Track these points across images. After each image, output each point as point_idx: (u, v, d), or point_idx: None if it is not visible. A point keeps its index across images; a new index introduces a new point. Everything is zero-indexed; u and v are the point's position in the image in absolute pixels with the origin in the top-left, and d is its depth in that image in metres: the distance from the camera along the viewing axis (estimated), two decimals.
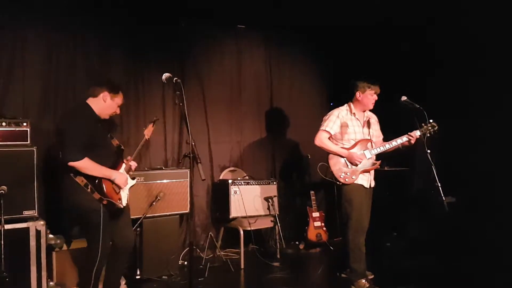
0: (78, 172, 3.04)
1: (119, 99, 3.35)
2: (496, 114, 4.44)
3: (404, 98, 3.82)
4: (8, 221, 3.17)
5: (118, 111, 3.41)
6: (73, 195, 3.08)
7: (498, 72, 4.41)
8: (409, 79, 4.94)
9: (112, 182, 3.18)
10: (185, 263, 4.56)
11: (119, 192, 3.24)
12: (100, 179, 3.12)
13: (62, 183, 3.11)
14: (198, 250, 4.87)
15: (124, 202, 3.27)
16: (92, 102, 3.25)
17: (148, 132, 3.72)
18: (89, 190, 3.06)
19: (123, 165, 3.36)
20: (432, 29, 5.01)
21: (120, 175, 3.23)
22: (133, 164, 3.45)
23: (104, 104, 3.27)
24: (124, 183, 3.26)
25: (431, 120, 3.78)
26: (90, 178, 3.08)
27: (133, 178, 3.45)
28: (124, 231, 3.33)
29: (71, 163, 2.99)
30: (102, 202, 3.08)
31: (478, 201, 4.47)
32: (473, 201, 4.49)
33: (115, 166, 3.28)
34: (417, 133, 3.83)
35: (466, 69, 4.70)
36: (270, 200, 4.88)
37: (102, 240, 3.07)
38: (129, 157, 3.45)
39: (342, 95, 4.24)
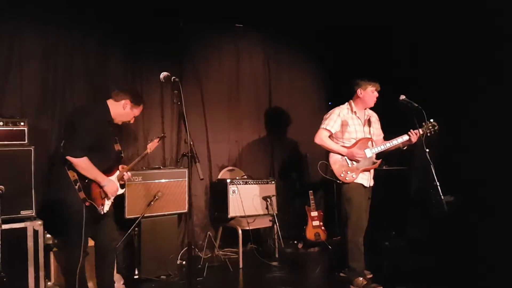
0: (72, 167, 3.06)
1: (137, 111, 3.38)
2: (495, 113, 4.43)
3: (402, 97, 3.81)
4: (5, 221, 3.14)
5: (132, 121, 3.44)
6: (60, 188, 3.11)
7: (497, 71, 4.40)
8: (407, 78, 4.94)
9: (101, 187, 3.19)
10: (184, 262, 4.55)
11: (104, 198, 3.24)
12: (90, 180, 3.13)
13: (54, 173, 3.13)
14: (197, 250, 4.86)
15: (105, 209, 3.26)
16: (111, 104, 3.27)
17: (151, 146, 3.71)
18: (76, 187, 3.07)
19: (117, 172, 3.36)
20: (430, 29, 5.01)
21: (110, 184, 3.23)
22: (126, 175, 3.44)
23: (122, 111, 3.29)
24: (113, 192, 3.26)
25: (431, 120, 3.78)
26: (81, 177, 3.10)
27: (122, 187, 3.43)
28: (107, 232, 3.32)
29: (69, 157, 3.02)
30: (85, 203, 3.09)
31: (477, 200, 4.47)
32: (472, 200, 4.49)
33: (109, 171, 3.28)
34: (417, 133, 3.82)
35: (465, 68, 4.70)
36: (268, 199, 4.87)
37: (84, 238, 3.08)
38: (124, 166, 3.45)
39: (341, 94, 4.23)
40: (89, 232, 3.18)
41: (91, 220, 3.16)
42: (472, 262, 4.11)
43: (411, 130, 3.84)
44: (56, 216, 3.21)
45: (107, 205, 3.27)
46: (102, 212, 3.22)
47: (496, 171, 4.36)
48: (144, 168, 4.45)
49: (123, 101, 3.28)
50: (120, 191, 3.40)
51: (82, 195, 3.08)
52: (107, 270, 3.39)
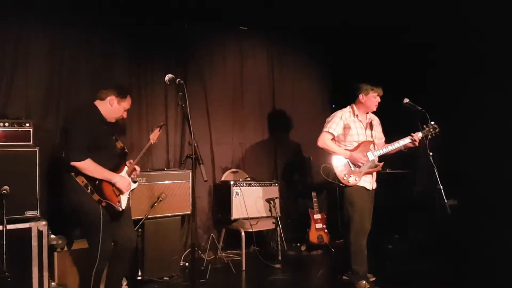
0: (79, 172, 3.06)
1: (126, 104, 3.36)
2: (498, 116, 4.43)
3: (406, 100, 3.82)
4: (10, 221, 3.17)
5: (125, 115, 3.42)
6: (74, 195, 3.10)
7: (498, 73, 4.40)
8: (410, 81, 4.93)
9: (113, 184, 3.18)
10: (187, 264, 4.56)
11: (119, 195, 3.24)
12: (101, 180, 3.13)
13: (64, 183, 3.12)
14: (200, 252, 4.86)
15: (123, 205, 3.26)
16: (99, 104, 3.27)
17: (154, 136, 3.71)
18: (88, 191, 3.07)
19: (125, 168, 3.36)
20: (432, 29, 4.99)
21: (121, 179, 3.23)
22: (137, 168, 3.45)
23: (111, 108, 3.28)
24: (126, 187, 3.25)
25: (432, 122, 3.78)
26: (90, 179, 3.09)
27: (134, 182, 3.44)
28: (126, 232, 3.32)
29: (73, 163, 3.02)
30: (101, 203, 3.09)
31: (480, 204, 4.46)
32: (475, 203, 4.48)
33: (117, 168, 3.28)
34: (419, 135, 3.83)
35: (467, 69, 4.70)
36: (271, 201, 4.87)
37: (101, 241, 3.07)
38: (131, 160, 3.45)
39: (344, 97, 4.24)
40: (109, 235, 3.16)
41: (110, 219, 3.15)
42: (475, 265, 4.10)
43: (412, 134, 3.85)
44: (77, 222, 3.27)
45: (123, 201, 3.26)
46: (120, 209, 3.21)
47: (500, 173, 4.36)
48: (148, 169, 4.47)
49: (108, 98, 3.26)
50: (134, 186, 3.40)
51: (96, 197, 3.08)
52: (119, 272, 3.39)
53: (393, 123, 4.24)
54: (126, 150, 3.42)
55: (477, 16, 4.49)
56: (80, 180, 3.07)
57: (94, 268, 3.08)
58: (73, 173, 3.07)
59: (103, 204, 3.10)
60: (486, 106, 4.52)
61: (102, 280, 3.25)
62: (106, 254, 3.15)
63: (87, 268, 3.16)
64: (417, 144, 3.86)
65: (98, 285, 3.19)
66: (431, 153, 3.56)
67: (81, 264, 3.64)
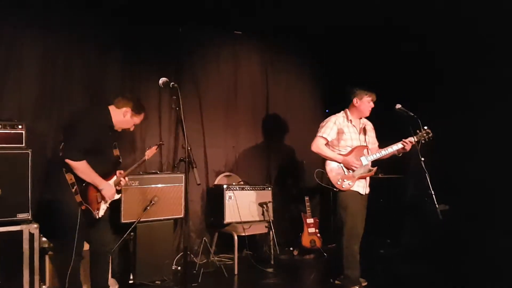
0: (70, 169, 3.08)
1: (138, 119, 3.41)
2: (491, 121, 4.47)
3: (398, 106, 3.85)
4: (1, 224, 3.16)
5: (132, 129, 3.47)
6: (58, 191, 3.13)
7: (495, 79, 4.44)
8: (404, 86, 4.97)
9: (98, 191, 3.20)
10: (179, 268, 4.55)
11: (100, 202, 3.25)
12: (88, 184, 3.15)
13: (52, 175, 3.13)
14: (192, 255, 4.85)
15: (100, 214, 3.27)
16: (112, 110, 3.30)
17: (149, 153, 3.73)
18: (73, 190, 3.08)
19: (114, 177, 3.37)
20: (430, 34, 5.03)
21: (108, 187, 3.24)
22: (123, 181, 3.44)
23: (123, 119, 3.32)
24: (110, 196, 3.28)
25: (425, 127, 3.81)
26: (79, 180, 3.11)
27: (118, 192, 3.44)
28: (100, 235, 3.33)
29: (68, 161, 3.03)
30: (81, 206, 3.10)
31: (471, 209, 4.49)
32: (466, 208, 4.51)
33: (107, 176, 3.29)
34: (412, 140, 3.86)
35: (463, 76, 4.73)
36: (264, 205, 4.88)
37: (77, 240, 3.08)
38: (121, 171, 3.46)
39: (338, 102, 4.27)
40: (84, 235, 3.19)
41: (86, 223, 3.17)
42: (466, 270, 4.12)
43: (403, 140, 3.87)
44: (52, 218, 3.21)
45: (102, 210, 3.28)
46: (97, 217, 3.23)
47: (491, 179, 4.39)
48: (141, 172, 4.46)
49: (124, 109, 3.31)
50: (116, 197, 3.41)
51: (78, 198, 3.09)
52: (100, 275, 3.40)
53: (387, 128, 4.26)
54: (120, 160, 3.44)
55: (476, 13, 4.50)
56: (69, 177, 3.09)
57: (70, 267, 3.08)
58: (64, 169, 3.09)
59: (83, 207, 3.11)
60: (483, 110, 4.55)
61: (87, 281, 3.24)
62: (80, 253, 3.17)
63: (60, 271, 3.16)
64: (408, 148, 3.88)
65: (79, 286, 3.18)
66: (422, 158, 3.59)
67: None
